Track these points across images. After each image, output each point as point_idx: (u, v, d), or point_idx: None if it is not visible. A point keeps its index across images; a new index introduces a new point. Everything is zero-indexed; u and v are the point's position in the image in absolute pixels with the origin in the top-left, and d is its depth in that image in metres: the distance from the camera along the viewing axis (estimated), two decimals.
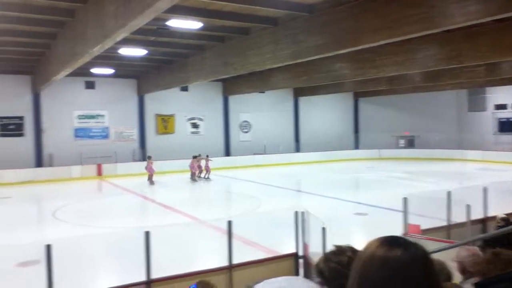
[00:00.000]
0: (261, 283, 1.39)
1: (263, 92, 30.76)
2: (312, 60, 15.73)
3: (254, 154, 30.12)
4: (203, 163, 23.03)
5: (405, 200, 7.33)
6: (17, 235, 11.69)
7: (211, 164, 23.27)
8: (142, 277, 5.37)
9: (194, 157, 22.88)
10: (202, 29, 14.48)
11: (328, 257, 1.72)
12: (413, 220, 7.35)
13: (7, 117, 24.25)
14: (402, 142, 33.92)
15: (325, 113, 34.84)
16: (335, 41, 11.60)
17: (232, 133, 30.92)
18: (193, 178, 22.37)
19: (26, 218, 14.61)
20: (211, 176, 22.92)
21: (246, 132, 31.75)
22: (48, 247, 4.90)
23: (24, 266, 8.51)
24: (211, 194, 18.85)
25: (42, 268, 5.07)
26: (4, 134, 24.18)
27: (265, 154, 30.39)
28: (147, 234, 5.33)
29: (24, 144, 24.57)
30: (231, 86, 29.15)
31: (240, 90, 28.58)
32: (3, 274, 8.23)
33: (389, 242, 1.21)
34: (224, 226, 6.18)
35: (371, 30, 10.45)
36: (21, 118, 24.58)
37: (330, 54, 13.26)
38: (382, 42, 11.02)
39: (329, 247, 5.47)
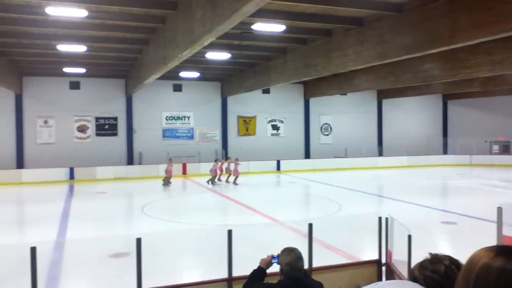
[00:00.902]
0: (371, 285, 1.36)
1: (345, 94, 30.21)
2: (398, 61, 15.16)
3: (335, 157, 29.67)
4: (232, 166, 22.00)
5: (499, 209, 6.79)
6: (111, 228, 12.57)
7: (240, 168, 22.07)
8: (224, 274, 5.49)
9: (216, 160, 22.46)
10: (285, 31, 14.57)
11: (423, 265, 1.64)
12: (508, 231, 6.79)
13: (103, 118, 26.22)
14: (496, 147, 31.51)
15: (411, 115, 33.42)
16: (426, 40, 11.07)
17: (312, 136, 30.73)
18: (212, 181, 21.54)
19: (118, 212, 15.68)
20: (238, 180, 21.68)
21: (327, 134, 31.38)
22: (138, 241, 5.16)
23: (116, 257, 9.10)
24: (291, 196, 18.85)
25: (132, 260, 5.37)
26: (100, 133, 26.16)
27: (346, 157, 29.80)
28: (229, 232, 5.44)
29: (118, 143, 26.38)
30: (313, 88, 28.98)
31: (322, 92, 28.31)
32: (98, 263, 8.87)
33: (506, 252, 1.12)
34: (303, 228, 6.14)
35: (469, 27, 9.80)
36: (115, 119, 26.43)
37: (420, 54, 12.69)
38: (481, 40, 10.31)
39: (415, 256, 5.17)
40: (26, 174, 22.86)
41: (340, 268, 6.12)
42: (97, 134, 26.17)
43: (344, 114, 31.53)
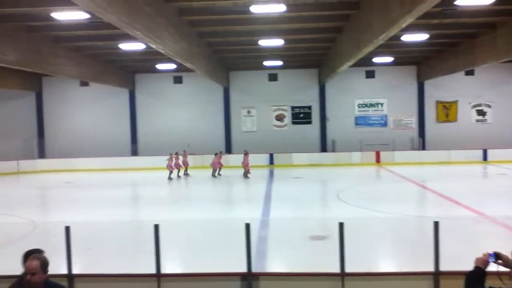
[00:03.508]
0: None
1: None
2: None
3: None
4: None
5: None
6: (308, 211, 13.19)
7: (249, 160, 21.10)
8: (427, 267, 5.23)
9: (216, 154, 22.08)
10: (495, 3, 12.92)
11: None
12: None
13: (298, 107, 27.56)
14: None
15: None
16: None
17: None
18: (213, 174, 21.51)
19: (314, 196, 16.34)
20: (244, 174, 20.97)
21: None
22: (341, 225, 5.30)
23: (316, 239, 9.52)
24: (501, 189, 16.77)
25: (330, 243, 5.52)
26: (295, 121, 27.57)
27: None
28: (436, 224, 5.13)
29: (312, 130, 27.41)
30: None
31: None
32: (300, 243, 9.40)
33: None
34: None
35: None
36: (309, 107, 27.50)
37: None
38: None
39: None
40: (233, 158, 25.54)
41: None
42: (293, 123, 27.63)
43: None
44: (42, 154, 27.45)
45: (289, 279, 5.31)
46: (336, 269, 5.26)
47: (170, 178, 20.81)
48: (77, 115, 27.93)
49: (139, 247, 9.11)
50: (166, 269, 5.67)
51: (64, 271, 5.42)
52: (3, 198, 16.74)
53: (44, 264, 3.55)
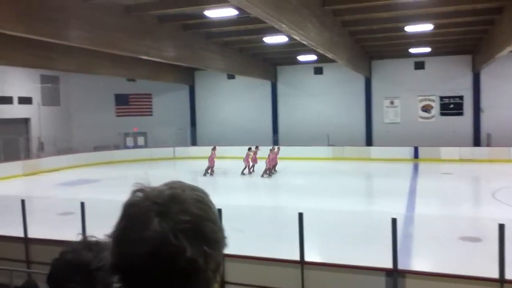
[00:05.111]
0: None
1: None
2: None
3: None
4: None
5: None
6: (458, 210, 12.20)
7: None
8: None
9: (249, 149, 20.45)
10: None
11: None
12: None
13: (447, 97, 25.51)
14: None
15: None
16: None
17: None
18: (243, 171, 20.16)
19: (465, 194, 15.05)
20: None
21: None
22: (501, 227, 4.81)
23: (466, 240, 8.78)
24: None
25: (484, 245, 4.98)
26: (444, 113, 25.59)
27: None
28: None
29: (463, 123, 25.17)
30: None
31: None
32: (448, 244, 8.75)
33: None
34: None
35: None
36: (460, 97, 25.28)
37: None
38: None
39: None
40: (374, 151, 24.85)
41: None
42: (442, 114, 25.67)
43: None
44: (194, 142, 30.02)
45: (438, 280, 5.00)
46: (493, 274, 4.80)
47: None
48: (225, 106, 29.85)
49: (282, 232, 9.43)
50: (307, 256, 5.77)
51: None
52: (162, 180, 18.71)
53: None
